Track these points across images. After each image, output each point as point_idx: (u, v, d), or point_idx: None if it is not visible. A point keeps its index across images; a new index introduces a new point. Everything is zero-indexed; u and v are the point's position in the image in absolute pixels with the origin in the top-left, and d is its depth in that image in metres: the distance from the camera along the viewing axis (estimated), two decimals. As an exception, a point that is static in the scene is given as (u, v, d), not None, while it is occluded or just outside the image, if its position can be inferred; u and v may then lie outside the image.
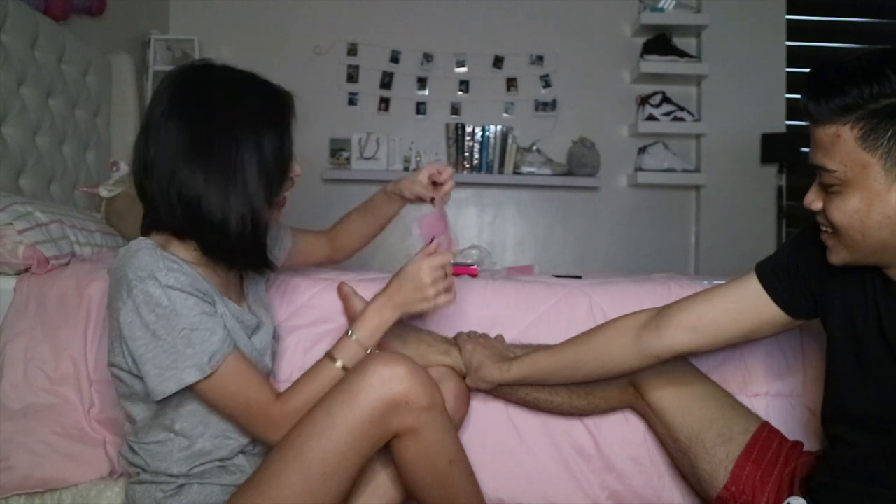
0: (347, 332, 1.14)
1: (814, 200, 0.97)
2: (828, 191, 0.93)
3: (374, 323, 1.15)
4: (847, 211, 0.91)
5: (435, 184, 1.34)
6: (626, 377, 1.26)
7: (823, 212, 0.95)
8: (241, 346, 1.08)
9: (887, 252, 0.93)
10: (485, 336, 1.35)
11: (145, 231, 1.09)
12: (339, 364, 1.10)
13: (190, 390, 1.01)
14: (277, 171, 1.09)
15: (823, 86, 0.89)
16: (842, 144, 0.89)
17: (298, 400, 1.06)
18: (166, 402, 1.03)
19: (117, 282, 1.01)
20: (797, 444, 1.23)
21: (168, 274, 0.98)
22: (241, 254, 1.08)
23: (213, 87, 1.07)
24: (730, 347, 1.31)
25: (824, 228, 0.98)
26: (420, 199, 1.37)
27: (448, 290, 1.18)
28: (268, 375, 1.20)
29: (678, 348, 1.14)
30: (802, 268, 1.08)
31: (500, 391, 1.32)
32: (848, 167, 0.89)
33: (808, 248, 1.06)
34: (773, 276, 1.10)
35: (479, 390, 1.32)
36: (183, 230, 1.06)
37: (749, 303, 1.10)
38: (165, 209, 1.04)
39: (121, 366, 1.03)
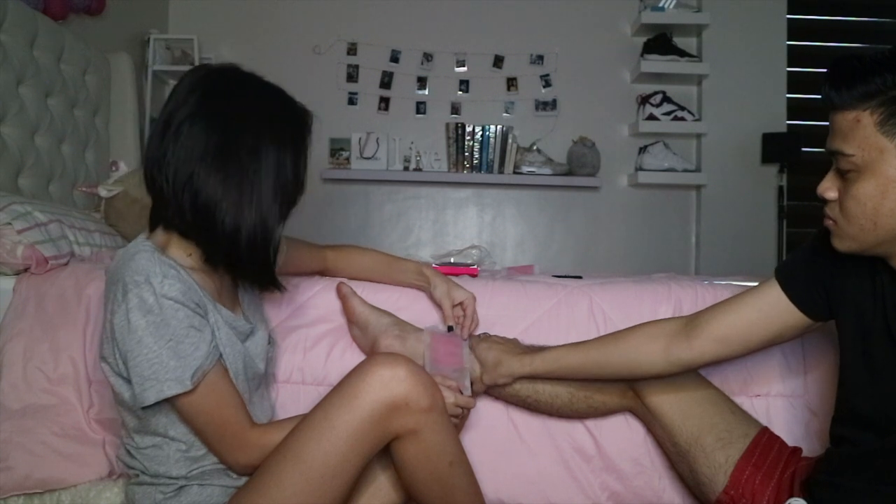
0: None
1: (827, 189, 0.98)
2: (844, 177, 0.94)
3: None
4: (861, 198, 0.92)
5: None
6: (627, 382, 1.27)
7: (837, 201, 0.96)
8: (234, 352, 1.08)
9: (894, 242, 0.94)
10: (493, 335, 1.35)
11: (152, 224, 1.08)
12: None
13: (169, 401, 1.01)
14: (293, 190, 1.09)
15: (846, 74, 0.91)
16: (861, 129, 0.90)
17: (278, 437, 1.04)
18: (157, 409, 1.02)
19: (113, 283, 1.00)
20: (797, 450, 1.23)
21: (164, 281, 0.98)
22: (248, 267, 1.07)
23: (243, 98, 1.05)
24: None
25: (830, 217, 0.98)
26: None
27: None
28: (260, 381, 1.19)
29: (707, 359, 1.16)
30: (818, 269, 1.09)
31: (502, 393, 1.32)
32: (865, 151, 0.91)
33: (824, 250, 1.06)
34: (791, 279, 1.11)
35: (495, 387, 1.30)
36: (189, 233, 1.05)
37: (772, 309, 1.11)
38: (175, 209, 1.03)
39: (111, 364, 1.03)
